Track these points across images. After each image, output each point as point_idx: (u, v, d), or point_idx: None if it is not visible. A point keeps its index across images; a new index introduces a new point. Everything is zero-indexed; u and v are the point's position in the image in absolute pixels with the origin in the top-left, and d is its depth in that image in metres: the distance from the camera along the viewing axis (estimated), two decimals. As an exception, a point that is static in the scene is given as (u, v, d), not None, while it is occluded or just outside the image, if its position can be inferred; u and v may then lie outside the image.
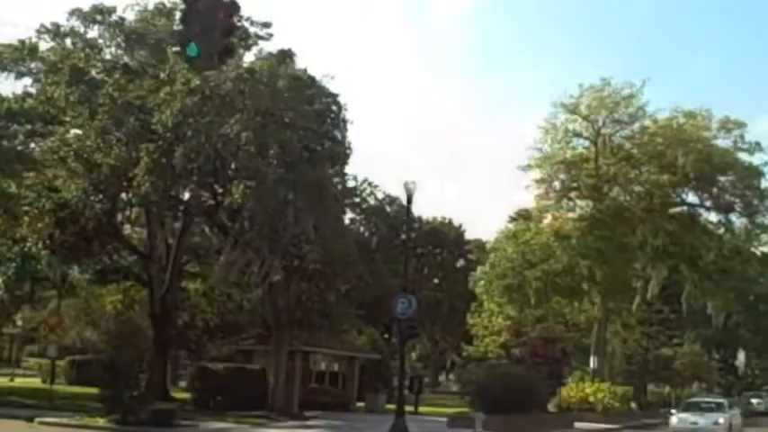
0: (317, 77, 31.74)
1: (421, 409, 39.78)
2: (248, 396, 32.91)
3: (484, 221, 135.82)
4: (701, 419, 31.94)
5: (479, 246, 61.36)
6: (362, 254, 57.06)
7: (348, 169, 32.82)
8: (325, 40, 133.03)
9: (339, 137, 31.92)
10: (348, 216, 68.74)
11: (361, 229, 67.28)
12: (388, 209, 68.97)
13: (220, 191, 29.81)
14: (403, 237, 38.98)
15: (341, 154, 31.53)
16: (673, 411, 35.78)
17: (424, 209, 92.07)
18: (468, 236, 69.33)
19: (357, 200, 72.90)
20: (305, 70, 31.76)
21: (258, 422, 29.57)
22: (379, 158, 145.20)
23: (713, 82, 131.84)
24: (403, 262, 33.31)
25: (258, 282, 29.93)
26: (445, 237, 66.95)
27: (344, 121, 31.79)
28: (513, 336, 48.62)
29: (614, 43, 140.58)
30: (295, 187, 26.99)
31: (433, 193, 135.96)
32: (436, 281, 66.73)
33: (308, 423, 31.94)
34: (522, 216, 54.06)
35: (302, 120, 28.82)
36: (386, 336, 56.07)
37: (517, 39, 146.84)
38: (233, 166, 26.94)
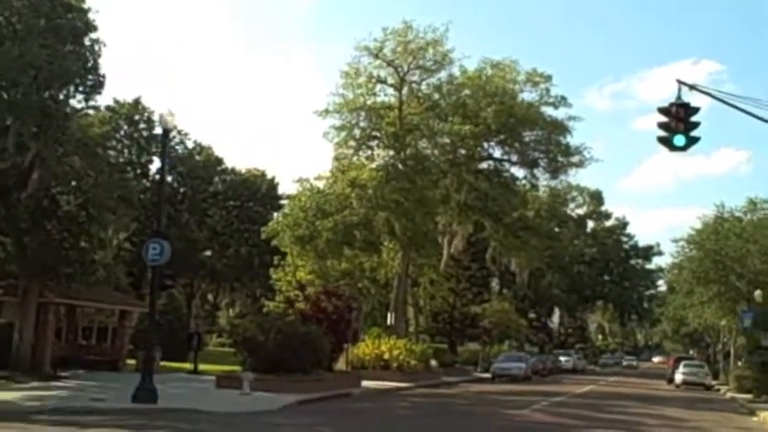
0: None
1: (204, 367, 37.10)
2: (-9, 354, 29.23)
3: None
4: None
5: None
6: (166, 205, 53.53)
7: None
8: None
9: (91, 61, 28.05)
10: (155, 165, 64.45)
11: (169, 178, 63.61)
12: (198, 158, 65.61)
13: None
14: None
15: (89, 79, 27.58)
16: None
17: (239, 160, 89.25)
18: (288, 189, 66.85)
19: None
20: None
21: (-7, 383, 25.82)
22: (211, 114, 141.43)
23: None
24: (157, 203, 29.40)
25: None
26: (257, 189, 63.94)
27: (96, 43, 27.93)
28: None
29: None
30: (13, 111, 22.97)
31: (249, 145, 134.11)
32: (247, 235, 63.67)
33: (55, 384, 28.21)
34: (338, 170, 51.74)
35: (34, 35, 24.71)
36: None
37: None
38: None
